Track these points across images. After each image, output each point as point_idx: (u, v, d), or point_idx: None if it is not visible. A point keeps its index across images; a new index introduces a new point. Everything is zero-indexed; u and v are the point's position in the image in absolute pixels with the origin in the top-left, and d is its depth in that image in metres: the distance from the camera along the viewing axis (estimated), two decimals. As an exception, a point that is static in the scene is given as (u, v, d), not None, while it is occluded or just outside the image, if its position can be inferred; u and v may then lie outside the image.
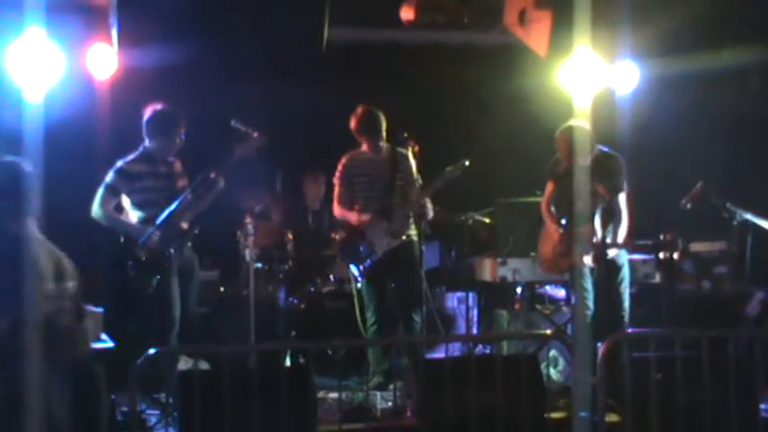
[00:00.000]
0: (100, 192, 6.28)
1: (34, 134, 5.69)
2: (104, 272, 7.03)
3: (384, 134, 6.81)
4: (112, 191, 6.29)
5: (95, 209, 6.27)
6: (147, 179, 6.30)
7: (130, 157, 6.37)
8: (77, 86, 6.82)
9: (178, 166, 6.48)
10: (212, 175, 6.23)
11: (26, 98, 6.07)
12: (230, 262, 7.54)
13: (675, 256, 6.35)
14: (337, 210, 6.95)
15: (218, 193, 6.29)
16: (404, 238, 6.77)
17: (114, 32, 6.92)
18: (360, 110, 6.83)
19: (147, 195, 6.28)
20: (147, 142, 6.38)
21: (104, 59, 6.89)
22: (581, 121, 6.67)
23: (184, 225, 6.30)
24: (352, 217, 6.83)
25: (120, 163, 6.34)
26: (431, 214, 6.68)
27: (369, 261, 6.77)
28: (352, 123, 6.84)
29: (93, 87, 7.02)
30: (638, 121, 7.89)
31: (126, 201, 6.33)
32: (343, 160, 6.91)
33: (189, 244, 6.37)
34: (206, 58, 7.37)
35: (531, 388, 5.02)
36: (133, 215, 6.30)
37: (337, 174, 6.92)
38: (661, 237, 6.38)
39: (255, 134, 6.24)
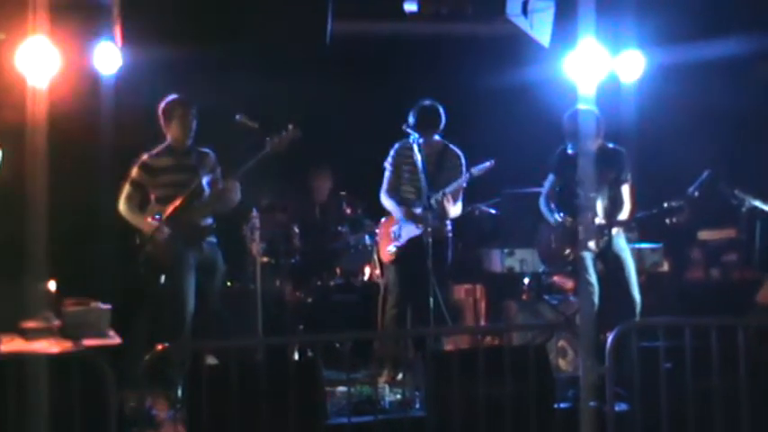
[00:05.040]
0: (125, 187, 6.25)
1: (38, 131, 5.70)
2: (113, 267, 7.04)
3: (440, 129, 6.77)
4: (136, 186, 6.25)
5: (120, 205, 6.24)
6: (171, 173, 6.22)
7: (155, 150, 6.30)
8: (82, 84, 6.83)
9: (211, 160, 6.33)
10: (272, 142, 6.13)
11: (31, 95, 6.07)
12: (237, 256, 7.53)
13: (677, 219, 6.32)
14: (383, 197, 6.91)
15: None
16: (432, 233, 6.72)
17: (118, 29, 6.93)
18: (420, 104, 6.76)
19: (170, 191, 6.19)
20: (167, 135, 6.32)
21: (108, 56, 6.90)
22: (589, 106, 6.65)
23: (205, 222, 6.24)
24: (392, 205, 6.84)
25: (144, 156, 6.28)
26: (451, 215, 6.67)
27: (395, 245, 6.80)
28: (411, 117, 6.77)
29: (98, 84, 7.02)
30: (644, 111, 7.85)
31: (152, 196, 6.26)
32: (396, 146, 6.88)
33: (212, 239, 6.32)
34: (210, 54, 7.37)
35: (540, 379, 5.00)
36: (157, 211, 6.21)
37: (388, 160, 6.89)
38: (665, 204, 6.36)
39: (290, 127, 6.17)
